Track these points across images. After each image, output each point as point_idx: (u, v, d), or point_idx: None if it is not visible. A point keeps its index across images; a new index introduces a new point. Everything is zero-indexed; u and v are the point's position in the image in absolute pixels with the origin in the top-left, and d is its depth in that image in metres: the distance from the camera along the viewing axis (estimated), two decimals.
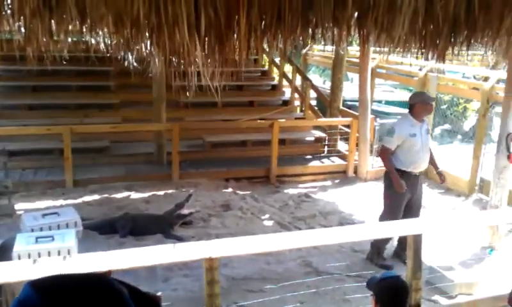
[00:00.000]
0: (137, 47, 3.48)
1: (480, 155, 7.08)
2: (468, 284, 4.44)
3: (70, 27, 3.28)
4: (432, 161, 5.15)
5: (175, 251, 3.47)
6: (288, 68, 11.16)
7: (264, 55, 10.92)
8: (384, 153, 4.96)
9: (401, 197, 4.85)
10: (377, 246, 4.95)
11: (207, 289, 3.44)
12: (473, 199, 6.91)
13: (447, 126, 11.60)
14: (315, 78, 15.56)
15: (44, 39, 3.09)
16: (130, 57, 3.66)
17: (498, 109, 7.39)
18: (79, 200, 6.28)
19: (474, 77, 9.92)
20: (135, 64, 3.77)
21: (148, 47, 3.59)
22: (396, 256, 5.12)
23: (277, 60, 11.07)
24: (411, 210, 4.90)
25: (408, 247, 4.00)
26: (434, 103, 4.96)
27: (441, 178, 5.15)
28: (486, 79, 7.70)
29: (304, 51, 12.53)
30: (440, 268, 4.61)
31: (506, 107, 5.46)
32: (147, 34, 3.50)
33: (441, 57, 4.52)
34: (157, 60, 3.73)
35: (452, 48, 4.45)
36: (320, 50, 13.37)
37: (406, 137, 4.81)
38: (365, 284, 2.68)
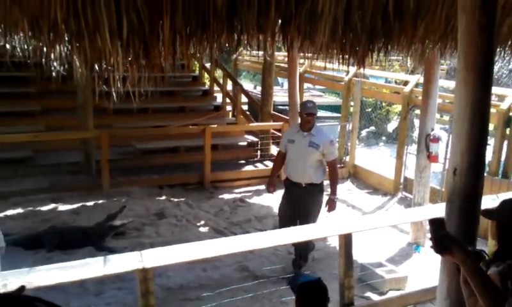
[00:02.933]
0: (56, 52, 3.33)
1: (403, 155, 7.50)
2: (398, 280, 4.67)
3: None
4: (330, 183, 4.85)
5: (105, 263, 3.35)
6: (219, 74, 11.18)
7: (195, 60, 10.85)
8: (276, 154, 5.16)
9: (284, 202, 4.88)
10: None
11: (141, 301, 3.35)
12: (398, 198, 7.30)
13: (372, 128, 12.17)
14: (246, 83, 15.72)
15: None
16: (50, 62, 3.50)
17: (418, 112, 7.89)
18: (1, 214, 5.87)
19: (395, 82, 10.50)
20: (56, 69, 3.60)
21: (69, 53, 3.45)
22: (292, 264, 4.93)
23: (208, 65, 11.03)
24: (299, 219, 4.65)
25: (339, 247, 4.15)
26: (311, 114, 4.65)
27: (327, 205, 4.80)
28: (405, 83, 8.17)
29: (234, 56, 12.61)
30: (370, 265, 4.81)
31: (424, 109, 5.82)
32: (66, 38, 3.37)
33: (361, 63, 4.77)
34: (78, 65, 3.59)
35: (371, 55, 4.71)
36: (250, 56, 13.52)
37: (286, 142, 4.86)
38: None
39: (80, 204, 6.35)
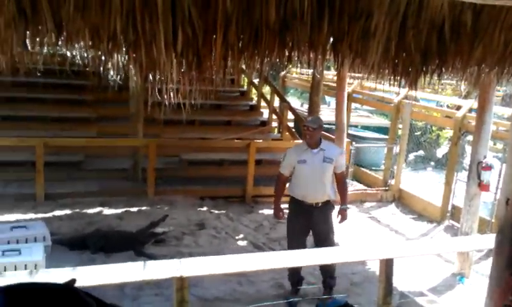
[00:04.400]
0: (114, 62, 3.46)
1: (452, 182, 7.23)
2: None
3: (46, 39, 3.25)
4: (340, 193, 4.72)
5: (144, 269, 3.42)
6: (266, 90, 11.27)
7: (243, 75, 11.01)
8: (278, 178, 4.73)
9: (293, 226, 4.59)
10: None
11: None
12: (445, 226, 7.03)
13: (420, 152, 11.85)
14: (293, 100, 15.74)
15: (18, 50, 3.05)
16: (107, 71, 3.65)
17: (470, 138, 7.61)
18: (50, 214, 6.14)
19: (447, 106, 10.20)
20: (112, 78, 3.75)
21: (125, 62, 3.57)
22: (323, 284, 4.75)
23: (256, 81, 11.16)
24: (317, 243, 4.55)
25: (379, 272, 4.03)
26: (312, 127, 4.45)
27: (339, 215, 4.69)
28: (458, 108, 7.92)
29: (283, 73, 12.70)
30: (410, 293, 4.64)
31: (477, 136, 5.61)
32: (124, 49, 3.50)
33: (414, 85, 4.64)
34: (134, 76, 3.72)
35: (424, 76, 4.58)
36: (298, 73, 13.57)
37: (295, 163, 4.51)
38: None
39: (125, 209, 6.53)
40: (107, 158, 7.89)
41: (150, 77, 3.76)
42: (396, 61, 4.33)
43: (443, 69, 4.59)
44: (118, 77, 3.74)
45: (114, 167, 7.73)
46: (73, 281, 1.52)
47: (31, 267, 3.76)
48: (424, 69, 4.46)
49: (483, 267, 5.58)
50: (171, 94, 3.78)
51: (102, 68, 3.64)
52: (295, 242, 4.55)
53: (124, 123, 8.00)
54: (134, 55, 3.48)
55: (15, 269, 3.73)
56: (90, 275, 3.28)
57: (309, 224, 4.52)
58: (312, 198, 4.49)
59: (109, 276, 3.33)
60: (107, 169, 7.68)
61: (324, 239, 4.52)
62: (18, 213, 6.03)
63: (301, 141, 4.82)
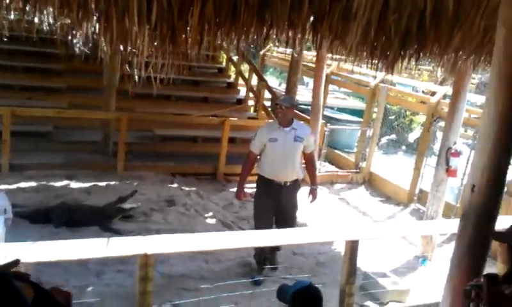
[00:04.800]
0: (83, 31, 3.33)
1: (421, 167, 7.34)
2: (400, 292, 4.57)
3: (13, 4, 3.11)
4: (309, 173, 4.77)
5: (107, 245, 3.36)
6: (245, 67, 11.15)
7: (222, 52, 10.85)
8: (246, 157, 4.68)
9: (262, 204, 4.55)
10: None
11: (139, 286, 3.35)
12: (411, 209, 7.15)
13: (393, 136, 11.97)
14: (272, 80, 15.66)
15: None
16: (76, 40, 3.51)
17: (442, 124, 7.71)
18: (14, 186, 5.97)
19: (423, 92, 10.28)
20: (82, 48, 3.62)
21: (96, 32, 3.44)
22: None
23: (235, 58, 11.02)
24: (280, 223, 4.57)
25: (344, 253, 4.07)
26: (285, 107, 4.45)
27: (310, 196, 4.74)
28: (433, 94, 7.99)
29: (262, 52, 12.56)
30: (373, 274, 4.72)
31: (449, 122, 5.66)
32: (95, 17, 3.37)
33: (391, 68, 4.64)
34: (104, 46, 3.59)
35: (402, 61, 4.57)
36: (278, 52, 13.46)
37: (266, 141, 4.47)
38: None
39: (93, 183, 6.40)
40: (77, 130, 7.69)
41: (121, 48, 3.64)
42: (375, 43, 4.30)
43: (421, 54, 4.59)
44: (87, 46, 3.62)
45: (84, 140, 7.56)
46: (17, 261, 1.44)
47: None
48: (402, 53, 4.45)
49: (445, 251, 5.70)
50: (142, 67, 3.68)
51: (70, 37, 3.50)
52: (263, 220, 4.54)
53: (96, 95, 7.82)
54: (105, 24, 3.36)
55: None
56: (51, 250, 3.20)
57: (277, 202, 4.52)
58: (282, 177, 4.49)
59: (70, 252, 3.26)
60: (76, 141, 7.50)
61: (289, 217, 4.58)
62: None
63: (272, 120, 4.79)
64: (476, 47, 4.34)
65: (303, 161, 4.75)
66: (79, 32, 3.41)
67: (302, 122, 5.00)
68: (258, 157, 4.65)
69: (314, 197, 4.77)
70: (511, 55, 2.49)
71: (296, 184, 4.62)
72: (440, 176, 5.68)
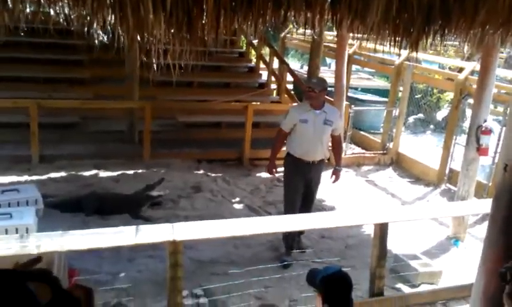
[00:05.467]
0: (99, 22, 3.34)
1: (450, 146, 7.17)
2: (432, 274, 4.50)
3: None
4: (335, 155, 4.92)
5: (137, 234, 3.40)
6: (266, 51, 11.05)
7: (242, 36, 10.77)
8: (277, 134, 4.81)
9: (291, 182, 4.69)
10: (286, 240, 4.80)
11: (169, 272, 3.39)
12: (442, 189, 7.01)
13: (420, 115, 11.73)
14: (293, 62, 15.51)
15: None
16: (94, 31, 3.52)
17: (471, 101, 7.50)
18: (45, 176, 6.11)
19: (449, 68, 10.02)
20: (101, 38, 3.63)
21: (112, 22, 3.44)
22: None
23: (255, 42, 10.93)
24: (305, 199, 4.72)
25: (373, 236, 4.03)
26: (316, 90, 4.49)
27: (333, 176, 4.87)
28: (460, 70, 7.77)
29: (283, 34, 12.42)
30: (404, 256, 4.66)
31: (478, 99, 5.50)
32: (110, 8, 3.37)
33: (415, 46, 4.51)
34: (121, 36, 3.59)
35: (426, 38, 4.43)
36: (299, 34, 13.29)
37: (297, 121, 4.57)
38: None
39: (121, 172, 6.50)
40: (103, 120, 7.80)
41: (138, 37, 3.64)
42: (397, 21, 4.18)
43: (446, 30, 4.45)
44: (105, 37, 3.62)
45: (110, 130, 7.65)
46: (39, 259, 1.44)
47: (22, 231, 3.74)
48: (426, 30, 4.32)
49: (478, 231, 5.59)
50: (161, 55, 3.67)
51: (86, 28, 3.51)
52: (293, 196, 4.71)
53: (120, 84, 7.87)
54: (121, 14, 3.36)
55: (6, 233, 3.71)
56: (81, 239, 3.26)
57: (305, 180, 4.66)
58: (311, 156, 4.62)
59: (100, 240, 3.32)
60: (102, 131, 7.60)
61: (312, 192, 4.80)
62: (13, 176, 6.01)
63: (304, 102, 4.88)
64: (503, 21, 4.16)
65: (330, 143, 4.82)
66: (95, 23, 3.42)
67: (332, 105, 5.01)
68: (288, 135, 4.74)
69: (337, 178, 4.91)
70: None
71: (322, 163, 4.79)
72: (471, 155, 5.54)
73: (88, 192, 5.54)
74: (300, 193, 4.72)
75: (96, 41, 3.70)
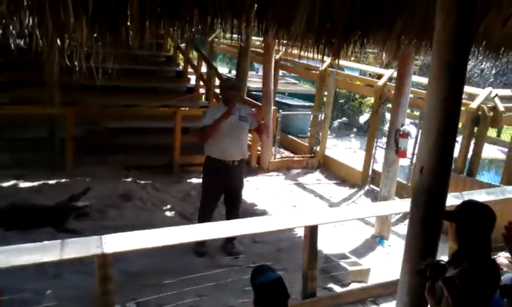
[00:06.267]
0: (16, 24, 3.15)
1: (372, 148, 7.55)
2: (360, 272, 4.71)
3: None
4: (258, 132, 5.02)
5: (62, 247, 3.24)
6: (194, 55, 10.96)
7: (170, 40, 10.61)
8: (201, 130, 4.74)
9: (211, 185, 4.85)
10: None
11: (99, 287, 3.27)
12: (366, 190, 7.37)
13: (344, 119, 12.23)
14: (222, 67, 15.55)
15: None
16: (9, 33, 3.31)
17: (390, 105, 7.95)
18: None
19: (369, 75, 10.55)
20: (17, 41, 3.42)
21: (30, 24, 3.27)
22: (222, 247, 5.02)
23: (183, 46, 10.81)
24: (229, 202, 4.92)
25: (304, 239, 4.15)
26: (237, 89, 4.92)
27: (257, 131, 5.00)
28: (379, 77, 8.21)
29: (210, 39, 12.40)
30: (334, 257, 4.84)
31: (395, 104, 5.85)
32: (27, 10, 3.20)
33: (336, 55, 4.75)
34: (40, 39, 3.41)
35: (347, 47, 4.68)
36: (227, 39, 13.34)
37: (213, 122, 4.64)
38: None
39: (43, 182, 6.14)
40: (22, 127, 7.30)
41: (58, 41, 3.47)
42: (320, 31, 4.36)
43: (365, 40, 4.72)
44: (22, 40, 3.44)
45: (30, 137, 7.18)
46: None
47: None
48: (347, 39, 4.55)
49: (401, 229, 5.94)
50: (83, 59, 3.55)
51: (1, 30, 3.30)
52: (211, 200, 4.88)
53: (40, 89, 7.43)
54: (39, 16, 3.20)
55: None
56: (3, 256, 3.05)
57: (225, 182, 4.80)
58: (231, 155, 4.72)
59: (24, 257, 3.13)
60: (21, 138, 7.10)
61: (236, 195, 4.94)
62: None
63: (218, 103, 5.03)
64: (417, 32, 4.50)
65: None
66: (11, 25, 3.23)
67: (242, 104, 5.23)
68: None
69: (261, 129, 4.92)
70: (449, 41, 2.60)
71: (243, 163, 4.93)
72: (391, 157, 5.87)
73: (6, 204, 5.17)
74: (218, 194, 4.87)
75: (12, 44, 3.49)
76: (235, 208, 4.95)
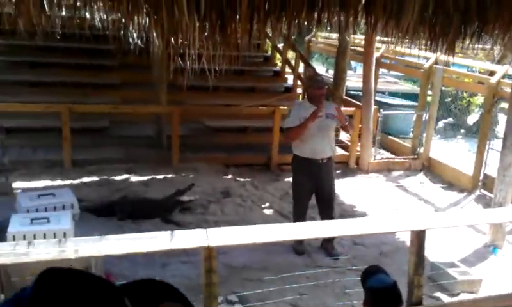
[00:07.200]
0: (134, 25, 3.34)
1: (484, 151, 6.98)
2: (471, 282, 4.38)
3: (64, 0, 3.14)
4: (345, 128, 4.93)
5: (172, 239, 3.38)
6: (291, 55, 10.99)
7: (267, 40, 10.74)
8: (286, 131, 4.76)
9: (302, 184, 4.74)
10: None
11: (204, 278, 3.36)
12: (476, 195, 6.83)
13: (450, 120, 11.49)
14: (319, 66, 15.41)
15: (35, 12, 2.94)
16: (128, 35, 3.53)
17: (503, 105, 7.30)
18: (77, 181, 6.18)
19: (479, 72, 9.80)
20: (135, 43, 3.64)
21: (146, 26, 3.45)
22: (322, 247, 4.94)
23: (280, 46, 10.89)
24: (321, 200, 4.82)
25: (410, 244, 3.93)
26: (324, 88, 4.73)
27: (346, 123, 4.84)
28: (491, 74, 7.58)
29: (308, 38, 12.36)
30: (442, 264, 4.55)
31: None
32: (145, 11, 3.37)
33: (451, 49, 4.40)
34: (156, 40, 3.59)
35: (463, 40, 4.33)
36: (324, 38, 13.21)
37: (300, 120, 4.58)
38: None
39: (151, 176, 6.53)
40: (132, 124, 7.86)
41: (172, 40, 3.63)
42: (433, 22, 4.09)
43: (483, 32, 4.34)
44: (140, 41, 3.63)
45: (139, 134, 7.71)
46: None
47: (60, 236, 3.78)
48: (463, 31, 4.21)
49: None
50: (194, 59, 3.66)
51: (122, 32, 3.52)
52: (303, 200, 4.79)
53: (148, 89, 7.93)
54: (155, 17, 3.36)
55: (44, 237, 3.74)
56: (118, 244, 3.26)
57: (316, 181, 4.71)
58: (320, 154, 4.65)
59: (137, 245, 3.31)
60: (131, 135, 7.65)
61: (328, 194, 4.82)
62: (47, 180, 6.09)
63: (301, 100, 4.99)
64: None
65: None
66: (130, 26, 3.42)
67: (327, 100, 5.09)
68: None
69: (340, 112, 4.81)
70: None
71: (331, 161, 4.85)
72: (508, 160, 5.37)
73: (120, 197, 5.59)
74: (310, 194, 4.79)
75: (131, 46, 3.72)
76: (329, 209, 4.83)
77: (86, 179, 6.26)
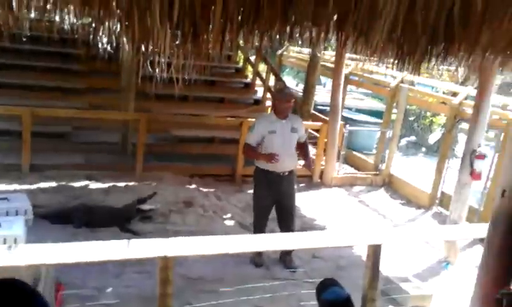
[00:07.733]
0: (105, 30, 3.31)
1: (443, 169, 7.19)
2: (423, 297, 4.47)
3: (33, 2, 3.10)
4: (304, 157, 4.92)
5: (128, 247, 3.34)
6: (262, 68, 11.08)
7: (240, 52, 10.80)
8: (245, 148, 4.84)
9: (262, 197, 4.77)
10: None
11: (159, 288, 3.33)
12: (433, 212, 7.01)
13: (412, 138, 11.78)
14: (289, 80, 15.58)
15: (3, 13, 2.89)
16: (98, 40, 3.49)
17: (464, 125, 7.55)
18: (35, 186, 6.02)
19: (443, 92, 10.11)
20: (104, 48, 3.60)
21: (117, 31, 3.42)
22: (280, 260, 4.97)
23: (252, 58, 10.97)
24: (281, 213, 4.84)
25: (366, 258, 3.99)
26: (292, 100, 4.79)
27: (307, 166, 4.97)
28: (454, 94, 7.83)
29: (280, 52, 12.50)
30: (395, 279, 4.63)
31: (473, 123, 5.52)
32: (116, 16, 3.35)
33: (417, 69, 4.53)
34: (126, 46, 3.57)
35: (429, 60, 4.45)
36: (296, 52, 13.38)
37: (265, 133, 4.63)
38: None
39: (112, 184, 6.41)
40: (97, 131, 7.72)
41: (143, 48, 3.61)
42: (401, 41, 4.19)
43: (448, 53, 4.47)
44: (109, 46, 3.60)
45: (103, 141, 7.58)
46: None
47: (11, 242, 3.67)
48: (429, 52, 4.33)
49: (468, 255, 5.58)
50: (164, 67, 3.65)
51: (92, 37, 3.48)
52: (263, 212, 4.81)
53: (115, 96, 7.83)
54: (127, 23, 3.33)
55: None
56: (71, 251, 3.20)
57: (277, 193, 4.73)
58: (283, 167, 4.67)
59: (90, 253, 3.25)
60: (95, 142, 7.51)
61: (291, 206, 4.85)
62: (3, 184, 5.90)
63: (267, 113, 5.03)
64: (505, 45, 4.21)
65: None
66: (100, 31, 3.39)
67: (293, 114, 5.11)
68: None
69: (310, 165, 5.04)
70: None
71: (293, 174, 4.87)
72: (464, 180, 5.55)
73: (77, 204, 5.47)
74: (270, 208, 4.82)
75: (100, 51, 3.68)
76: (289, 221, 4.84)
77: (43, 184, 6.10)
